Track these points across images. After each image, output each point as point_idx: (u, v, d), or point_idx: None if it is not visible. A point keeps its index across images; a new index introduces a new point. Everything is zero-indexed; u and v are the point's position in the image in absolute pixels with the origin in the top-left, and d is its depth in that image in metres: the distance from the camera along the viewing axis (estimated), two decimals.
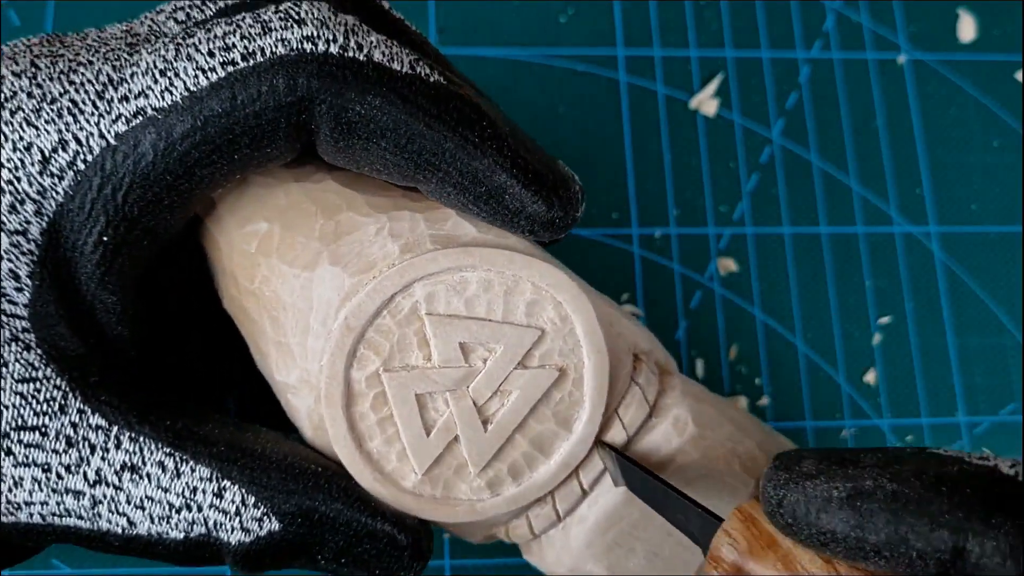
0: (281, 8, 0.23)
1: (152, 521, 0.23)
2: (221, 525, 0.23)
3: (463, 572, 0.33)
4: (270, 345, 0.25)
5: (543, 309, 0.25)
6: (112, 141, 0.22)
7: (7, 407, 0.22)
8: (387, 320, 0.24)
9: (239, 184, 0.25)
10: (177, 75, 0.22)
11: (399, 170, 0.24)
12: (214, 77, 0.22)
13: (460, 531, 0.27)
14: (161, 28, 0.24)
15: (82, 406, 0.23)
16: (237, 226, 0.25)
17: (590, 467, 0.25)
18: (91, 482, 0.23)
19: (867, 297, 0.38)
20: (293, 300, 0.24)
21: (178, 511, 0.23)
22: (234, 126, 0.22)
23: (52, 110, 0.22)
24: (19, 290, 0.23)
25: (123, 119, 0.22)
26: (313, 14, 0.23)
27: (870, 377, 0.37)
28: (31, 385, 0.22)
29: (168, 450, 0.23)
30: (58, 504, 0.23)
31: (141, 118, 0.22)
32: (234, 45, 0.22)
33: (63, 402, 0.23)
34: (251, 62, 0.22)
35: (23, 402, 0.22)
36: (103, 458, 0.23)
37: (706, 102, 0.39)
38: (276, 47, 0.22)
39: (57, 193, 0.22)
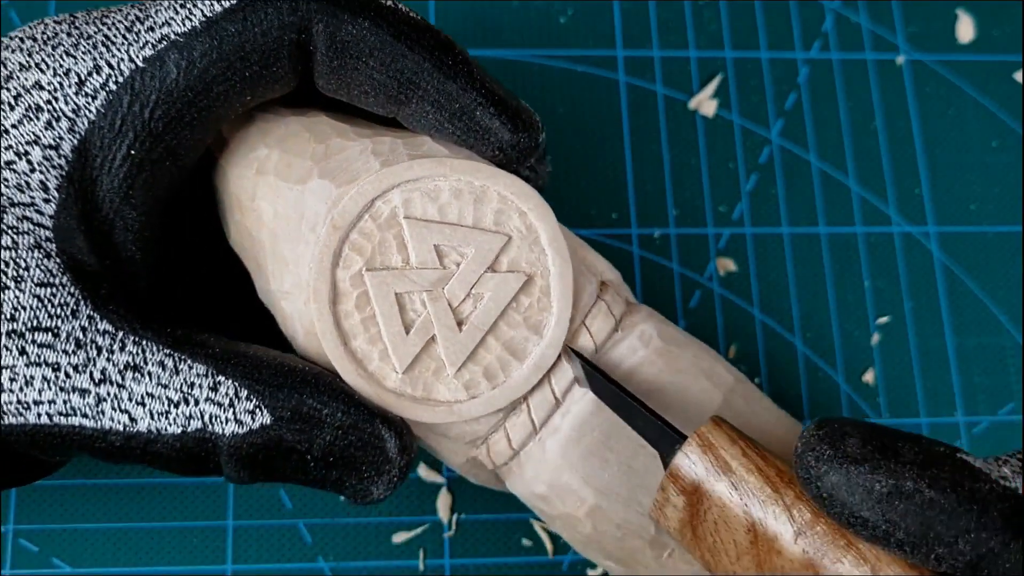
0: None
1: (152, 417, 0.25)
2: (216, 417, 0.25)
3: (463, 572, 0.34)
4: (267, 257, 0.28)
5: (509, 218, 0.27)
6: (140, 64, 0.26)
7: (25, 308, 0.24)
8: (369, 223, 0.27)
9: (246, 121, 0.29)
10: (195, 5, 0.26)
11: (385, 90, 0.27)
12: (228, 3, 0.26)
13: (441, 448, 0.29)
14: None
15: (92, 312, 0.25)
16: (242, 155, 0.29)
17: (561, 374, 0.27)
18: (96, 381, 0.25)
19: (866, 297, 0.38)
20: (287, 211, 0.27)
21: (176, 405, 0.25)
22: (245, 43, 0.26)
23: (88, 44, 0.26)
24: (47, 201, 0.25)
25: (149, 45, 0.26)
26: None
27: (869, 377, 0.37)
28: (48, 289, 0.25)
29: (168, 351, 0.25)
30: (65, 403, 0.24)
31: (165, 43, 0.26)
32: None
33: (75, 307, 0.25)
34: None
35: (39, 304, 0.24)
36: (108, 359, 0.25)
37: (705, 102, 0.39)
38: None
39: (90, 111, 0.25)
